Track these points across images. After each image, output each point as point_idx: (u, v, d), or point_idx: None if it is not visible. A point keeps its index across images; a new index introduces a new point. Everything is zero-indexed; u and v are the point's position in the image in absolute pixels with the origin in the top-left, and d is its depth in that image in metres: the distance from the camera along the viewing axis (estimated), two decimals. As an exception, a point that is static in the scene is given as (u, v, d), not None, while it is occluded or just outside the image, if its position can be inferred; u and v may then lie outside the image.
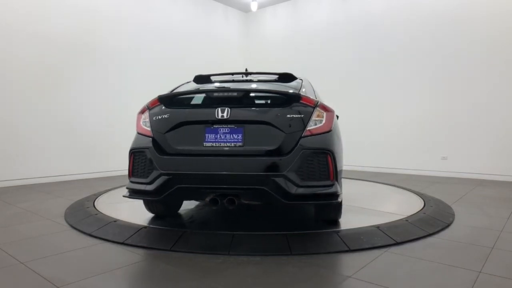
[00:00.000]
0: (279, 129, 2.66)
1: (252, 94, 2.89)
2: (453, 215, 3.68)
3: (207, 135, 2.73)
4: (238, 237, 2.77)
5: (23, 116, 5.79)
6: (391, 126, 7.51)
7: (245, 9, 9.77)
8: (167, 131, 2.80)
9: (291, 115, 2.70)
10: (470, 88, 6.59)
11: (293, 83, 3.29)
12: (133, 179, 2.88)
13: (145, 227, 3.06)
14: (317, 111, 2.76)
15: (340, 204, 2.99)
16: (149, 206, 3.36)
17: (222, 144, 2.70)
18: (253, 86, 3.36)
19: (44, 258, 2.52)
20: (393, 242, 2.78)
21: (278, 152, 2.62)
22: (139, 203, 4.07)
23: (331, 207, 2.99)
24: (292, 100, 2.76)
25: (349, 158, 7.59)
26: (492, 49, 6.35)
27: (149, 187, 2.72)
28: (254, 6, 9.14)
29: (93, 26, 6.66)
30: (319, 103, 2.82)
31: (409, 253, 2.59)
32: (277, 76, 3.40)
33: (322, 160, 2.62)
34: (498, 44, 6.28)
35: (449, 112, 6.81)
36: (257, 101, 2.90)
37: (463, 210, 3.96)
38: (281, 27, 9.35)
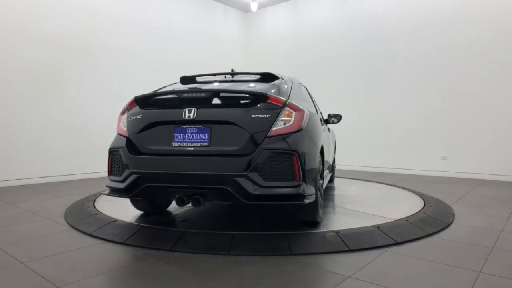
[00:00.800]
0: (243, 129, 2.66)
1: (219, 95, 2.88)
2: (453, 215, 3.68)
3: (176, 135, 2.79)
4: (238, 237, 2.77)
5: (23, 116, 5.79)
6: (391, 126, 7.51)
7: (245, 9, 9.77)
8: (140, 131, 2.89)
9: (257, 115, 2.69)
10: (470, 88, 6.59)
11: (273, 83, 3.23)
12: (110, 177, 3.01)
13: (145, 227, 3.06)
14: (286, 111, 2.72)
15: (315, 205, 2.87)
16: (134, 203, 3.45)
17: (190, 144, 2.74)
18: (223, 86, 3.29)
19: (44, 258, 2.52)
20: (393, 242, 2.78)
21: (241, 152, 2.62)
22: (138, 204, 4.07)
23: (305, 208, 2.87)
24: (259, 100, 2.75)
25: (349, 158, 7.63)
26: (492, 49, 6.35)
27: (121, 185, 2.82)
28: (254, 6, 9.14)
29: (93, 26, 6.66)
30: (287, 102, 2.75)
31: (409, 253, 2.59)
32: (259, 76, 3.41)
33: (286, 161, 2.59)
34: (498, 44, 6.28)
35: (449, 112, 6.81)
36: (224, 102, 2.89)
37: (463, 210, 3.96)
38: (281, 27, 9.35)
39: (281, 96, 2.89)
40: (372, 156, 7.69)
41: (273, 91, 2.98)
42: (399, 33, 7.40)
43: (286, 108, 2.73)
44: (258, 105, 2.73)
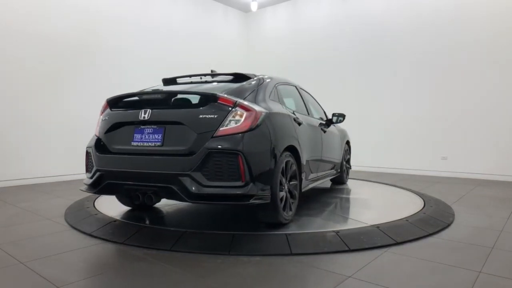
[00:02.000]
0: (191, 129, 2.71)
1: (172, 96, 2.97)
2: (453, 215, 3.68)
3: (135, 135, 2.92)
4: (238, 237, 2.77)
5: (23, 116, 5.79)
6: (391, 126, 7.51)
7: (245, 9, 9.77)
8: (106, 132, 3.08)
9: (205, 116, 2.73)
10: (470, 88, 6.59)
11: (241, 84, 3.25)
12: (86, 174, 3.24)
13: (145, 227, 3.06)
14: (236, 111, 2.73)
15: (275, 206, 2.85)
16: (119, 199, 3.69)
17: (146, 144, 2.85)
18: (185, 88, 3.37)
19: (44, 258, 2.52)
20: (393, 242, 2.78)
21: (187, 152, 2.67)
22: (138, 204, 4.07)
23: (264, 208, 2.87)
24: (209, 100, 2.79)
25: (349, 158, 7.62)
26: (492, 49, 6.35)
27: (90, 181, 3.05)
28: (254, 6, 9.14)
29: (93, 26, 6.66)
30: (238, 103, 2.77)
31: (409, 253, 2.59)
32: (231, 77, 3.45)
33: (231, 161, 2.60)
34: (498, 44, 6.28)
35: (449, 112, 6.81)
36: (177, 103, 2.96)
37: (463, 210, 3.96)
38: (281, 27, 9.35)
39: (241, 96, 2.93)
40: (372, 156, 7.69)
41: (224, 91, 3.01)
42: (399, 33, 7.39)
43: (237, 108, 2.74)
44: (208, 105, 2.77)
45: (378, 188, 5.22)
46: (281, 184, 2.95)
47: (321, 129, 4.26)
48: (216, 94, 2.81)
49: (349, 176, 5.77)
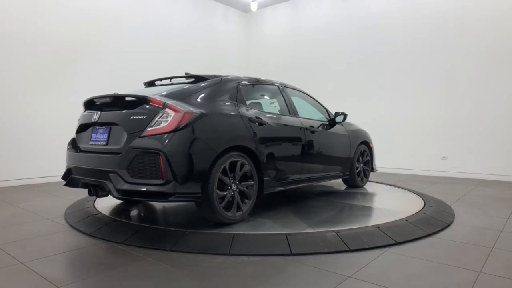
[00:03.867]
0: (124, 129, 2.91)
1: (114, 99, 3.14)
2: (453, 215, 3.68)
3: (92, 135, 3.23)
4: (238, 237, 2.77)
5: (23, 116, 5.79)
6: (391, 126, 7.51)
7: (245, 9, 9.77)
8: (77, 132, 3.42)
9: (135, 117, 2.90)
10: (470, 88, 6.58)
11: (194, 85, 3.34)
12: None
13: (145, 227, 3.06)
14: (164, 112, 2.84)
15: (211, 204, 2.91)
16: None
17: (97, 143, 3.13)
18: (150, 90, 3.46)
19: (44, 258, 2.52)
20: (393, 242, 2.78)
21: (118, 150, 2.87)
22: (139, 204, 4.08)
23: (202, 206, 2.97)
24: (141, 102, 2.96)
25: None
26: (492, 49, 6.35)
27: (62, 175, 3.43)
28: (254, 6, 9.14)
29: (93, 27, 6.66)
30: (166, 104, 2.87)
31: (409, 253, 2.59)
32: (193, 79, 3.54)
33: (152, 159, 2.71)
34: (499, 44, 6.28)
35: (449, 112, 6.81)
36: (118, 105, 3.13)
37: (463, 210, 3.96)
38: (281, 27, 9.35)
39: (182, 97, 3.06)
40: (372, 156, 7.68)
41: (160, 92, 3.15)
42: (399, 33, 7.39)
43: (166, 109, 2.85)
44: (140, 107, 2.94)
45: (378, 188, 5.22)
46: (225, 184, 3.02)
47: (309, 129, 4.07)
48: (146, 96, 2.96)
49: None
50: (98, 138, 3.13)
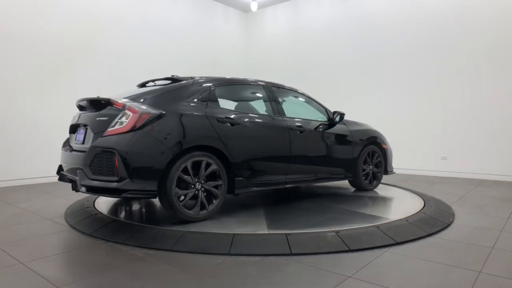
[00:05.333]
0: (91, 130, 3.16)
1: (88, 102, 3.38)
2: (453, 215, 3.68)
3: (76, 134, 3.47)
4: (238, 237, 2.77)
5: (24, 117, 5.79)
6: (391, 126, 7.49)
7: (245, 9, 9.77)
8: (69, 132, 3.65)
9: (100, 118, 3.14)
10: (470, 88, 6.58)
11: (156, 88, 3.52)
12: None
13: (145, 227, 3.06)
14: (123, 113, 3.01)
15: (170, 201, 3.02)
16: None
17: (78, 143, 3.37)
18: (135, 91, 3.62)
19: (44, 258, 2.52)
20: (393, 242, 2.78)
21: (86, 149, 3.10)
22: (139, 204, 4.08)
23: (163, 201, 3.07)
24: (106, 104, 3.19)
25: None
26: (492, 49, 6.35)
27: (56, 171, 3.64)
28: (254, 6, 9.14)
29: (93, 27, 6.66)
30: (126, 106, 3.04)
31: (409, 253, 2.59)
32: (170, 81, 3.67)
33: (108, 158, 2.90)
34: (499, 44, 6.28)
35: (449, 112, 6.81)
36: (92, 107, 3.37)
37: (463, 210, 3.96)
38: (281, 27, 9.35)
39: (145, 98, 3.21)
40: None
41: (141, 94, 3.32)
42: (399, 33, 7.39)
43: (125, 110, 3.02)
44: (105, 109, 3.18)
45: (378, 188, 5.21)
46: (188, 182, 3.12)
47: (296, 129, 3.97)
48: (109, 99, 3.17)
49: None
50: (78, 138, 3.40)
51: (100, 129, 3.06)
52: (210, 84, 3.59)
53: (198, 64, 8.41)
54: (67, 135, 3.79)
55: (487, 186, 5.69)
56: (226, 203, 3.71)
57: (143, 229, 3.00)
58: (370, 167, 4.84)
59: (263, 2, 9.25)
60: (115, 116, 3.03)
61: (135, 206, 3.98)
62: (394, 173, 5.32)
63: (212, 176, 3.29)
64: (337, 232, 2.87)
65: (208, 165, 3.23)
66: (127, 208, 3.93)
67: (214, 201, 3.30)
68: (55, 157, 6.03)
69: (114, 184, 2.86)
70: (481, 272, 2.26)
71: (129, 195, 2.88)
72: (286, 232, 2.87)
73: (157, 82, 3.79)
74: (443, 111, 6.87)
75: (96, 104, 3.30)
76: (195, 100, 3.39)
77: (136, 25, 7.36)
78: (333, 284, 2.09)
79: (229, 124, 3.43)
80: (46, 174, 5.95)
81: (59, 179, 3.50)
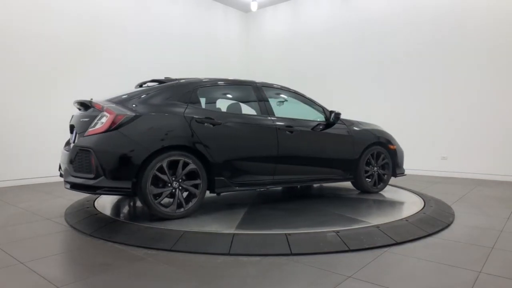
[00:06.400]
0: (77, 130, 3.38)
1: (81, 104, 3.49)
2: (453, 215, 3.68)
3: (73, 135, 3.58)
4: (238, 237, 2.77)
5: (24, 117, 5.79)
6: (391, 127, 7.46)
7: (245, 9, 9.77)
8: (70, 132, 3.79)
9: (83, 119, 3.34)
10: (470, 88, 6.58)
11: (140, 89, 3.68)
12: None
13: (145, 227, 3.06)
14: (102, 115, 3.17)
15: (145, 198, 3.12)
16: None
17: (71, 142, 3.56)
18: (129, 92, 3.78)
19: (44, 258, 2.52)
20: (393, 242, 2.78)
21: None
22: (138, 203, 4.07)
23: (140, 197, 3.18)
24: (89, 106, 3.37)
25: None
26: (492, 49, 6.34)
27: (58, 168, 3.82)
28: (254, 6, 9.14)
29: (93, 27, 6.66)
30: (105, 107, 3.20)
31: (409, 253, 2.59)
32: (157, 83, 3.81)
33: (86, 156, 3.10)
34: (499, 45, 6.28)
35: (449, 112, 6.81)
36: (79, 108, 3.58)
37: (463, 210, 3.96)
38: (281, 27, 9.35)
39: (125, 100, 3.36)
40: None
41: (126, 96, 3.47)
42: (399, 33, 7.39)
43: (104, 112, 3.17)
44: (88, 110, 3.37)
45: (378, 188, 5.21)
46: (165, 181, 3.22)
47: (285, 129, 3.90)
48: (91, 101, 3.35)
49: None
50: (72, 138, 3.60)
51: (83, 129, 3.25)
52: (193, 86, 3.66)
53: (198, 64, 8.41)
54: (68, 135, 3.84)
55: (487, 186, 5.69)
56: (206, 201, 3.70)
57: (143, 229, 3.00)
58: (375, 168, 4.64)
59: (263, 2, 9.25)
60: (95, 117, 3.20)
61: (135, 206, 3.98)
62: (405, 175, 5.06)
63: (192, 175, 3.36)
64: (337, 232, 2.87)
65: (185, 164, 3.30)
66: (127, 208, 3.94)
67: (193, 200, 3.36)
68: (55, 157, 6.04)
69: (91, 181, 3.04)
70: (481, 272, 2.26)
71: (103, 192, 3.09)
72: (286, 232, 2.87)
73: (150, 84, 3.86)
74: (443, 111, 6.87)
75: (84, 106, 3.46)
76: (176, 101, 3.48)
77: (136, 25, 7.35)
78: (333, 284, 2.09)
79: (209, 125, 3.47)
80: (46, 174, 5.95)
81: (60, 175, 3.64)
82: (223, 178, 3.51)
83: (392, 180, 5.08)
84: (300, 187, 5.18)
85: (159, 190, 3.19)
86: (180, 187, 3.29)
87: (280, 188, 5.01)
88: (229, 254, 2.55)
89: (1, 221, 3.54)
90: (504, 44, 6.22)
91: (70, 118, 3.70)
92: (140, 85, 4.06)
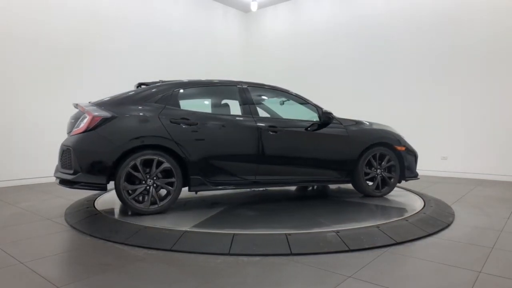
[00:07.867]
0: (66, 130, 3.70)
1: (75, 106, 3.71)
2: (453, 215, 3.68)
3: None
4: (238, 237, 2.77)
5: (24, 117, 5.79)
6: (391, 126, 7.50)
7: (245, 9, 9.77)
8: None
9: (72, 120, 3.65)
10: (470, 88, 6.58)
11: (126, 92, 3.88)
12: None
13: (145, 227, 3.06)
14: (83, 116, 3.42)
15: (120, 196, 3.36)
16: None
17: None
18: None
19: (44, 258, 2.52)
20: (393, 242, 2.78)
21: None
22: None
23: (117, 192, 3.39)
24: (77, 108, 3.63)
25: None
26: (492, 49, 6.34)
27: None
28: (254, 6, 9.14)
29: (92, 27, 6.65)
30: (86, 109, 3.42)
31: (409, 253, 2.59)
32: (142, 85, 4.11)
33: (68, 154, 3.39)
34: (498, 44, 6.28)
35: (449, 112, 6.81)
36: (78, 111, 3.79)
37: (463, 210, 3.96)
38: (281, 27, 9.35)
39: (106, 103, 3.55)
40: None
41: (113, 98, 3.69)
42: (400, 33, 7.39)
43: (85, 114, 3.42)
44: (77, 112, 3.65)
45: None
46: (139, 178, 3.40)
47: (268, 129, 3.83)
48: (77, 103, 3.61)
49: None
50: None
51: (70, 130, 3.59)
52: (173, 88, 3.79)
53: (198, 64, 8.41)
54: (63, 136, 3.94)
55: (487, 186, 5.69)
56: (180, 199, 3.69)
57: (143, 229, 3.00)
58: (378, 171, 4.34)
59: (263, 2, 9.25)
60: (79, 118, 3.48)
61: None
62: (418, 178, 4.68)
63: (167, 174, 3.50)
64: (337, 232, 2.87)
65: (160, 163, 3.44)
66: (127, 208, 3.93)
67: (167, 197, 3.51)
68: (55, 157, 6.06)
69: (70, 177, 3.32)
70: (481, 272, 2.26)
71: (80, 187, 3.31)
72: (286, 232, 2.87)
73: (143, 87, 4.03)
74: (443, 111, 6.87)
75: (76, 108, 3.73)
76: (153, 102, 3.63)
77: (136, 25, 7.35)
78: (333, 284, 2.09)
79: (184, 125, 3.55)
80: (46, 174, 5.94)
81: None
82: (199, 177, 3.59)
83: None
84: (314, 186, 5.12)
85: (133, 187, 3.38)
86: (155, 185, 3.45)
87: (279, 188, 5.00)
88: (229, 254, 2.55)
89: (1, 221, 3.55)
90: (505, 44, 6.22)
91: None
92: (139, 85, 4.18)
